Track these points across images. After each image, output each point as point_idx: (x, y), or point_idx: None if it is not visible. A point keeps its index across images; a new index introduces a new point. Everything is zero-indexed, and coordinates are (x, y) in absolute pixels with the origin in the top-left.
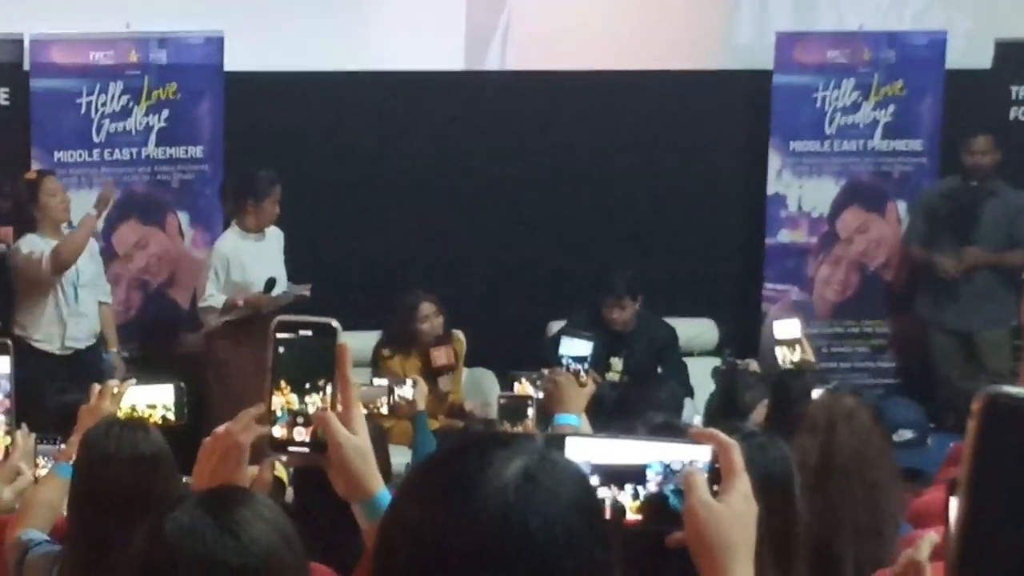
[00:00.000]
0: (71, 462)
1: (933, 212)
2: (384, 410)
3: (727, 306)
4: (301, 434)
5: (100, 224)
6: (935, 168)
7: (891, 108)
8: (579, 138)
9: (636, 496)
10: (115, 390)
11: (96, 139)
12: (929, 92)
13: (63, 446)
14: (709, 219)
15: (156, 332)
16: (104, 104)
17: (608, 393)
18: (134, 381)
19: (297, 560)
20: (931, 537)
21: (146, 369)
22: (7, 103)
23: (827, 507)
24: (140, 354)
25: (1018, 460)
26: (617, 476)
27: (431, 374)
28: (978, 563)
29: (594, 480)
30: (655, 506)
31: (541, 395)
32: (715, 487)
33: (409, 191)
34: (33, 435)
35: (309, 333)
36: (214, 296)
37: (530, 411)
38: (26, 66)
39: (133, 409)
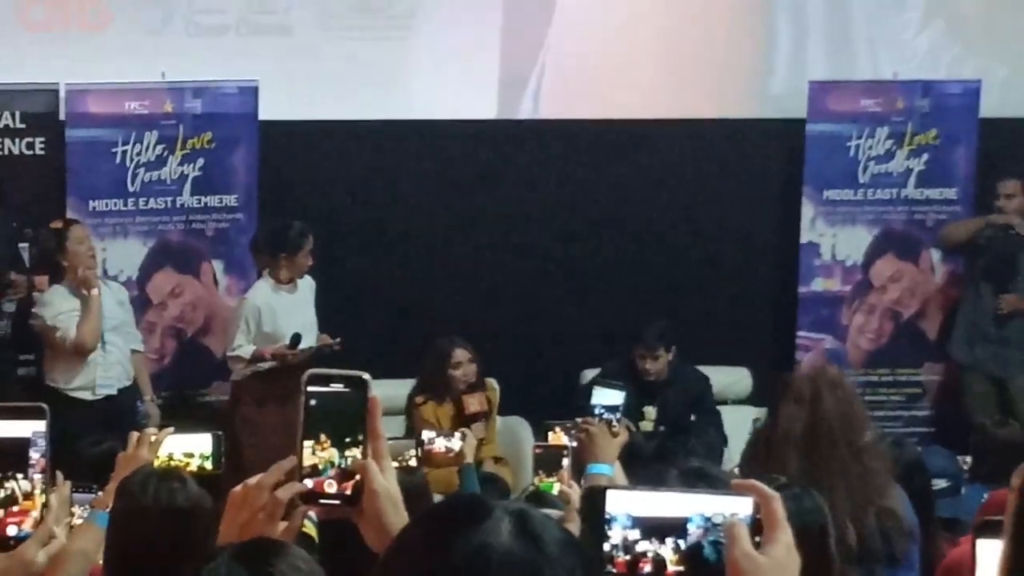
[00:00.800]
0: (107, 509)
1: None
2: (412, 462)
3: (761, 355)
4: (332, 486)
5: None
6: (969, 216)
7: (925, 157)
8: (613, 186)
9: (677, 549)
10: (153, 438)
11: (131, 188)
12: (963, 141)
13: (100, 494)
14: (743, 267)
15: (190, 380)
16: (139, 153)
17: (645, 443)
18: (172, 430)
19: None
20: None
21: (179, 417)
22: (43, 152)
23: (817, 472)
24: (173, 401)
25: None
26: (658, 529)
27: (464, 421)
28: None
29: (635, 533)
30: (697, 559)
31: (574, 444)
32: (757, 538)
33: (442, 239)
34: (68, 483)
35: (341, 386)
36: (243, 347)
37: (565, 461)
38: (62, 116)
39: (170, 457)
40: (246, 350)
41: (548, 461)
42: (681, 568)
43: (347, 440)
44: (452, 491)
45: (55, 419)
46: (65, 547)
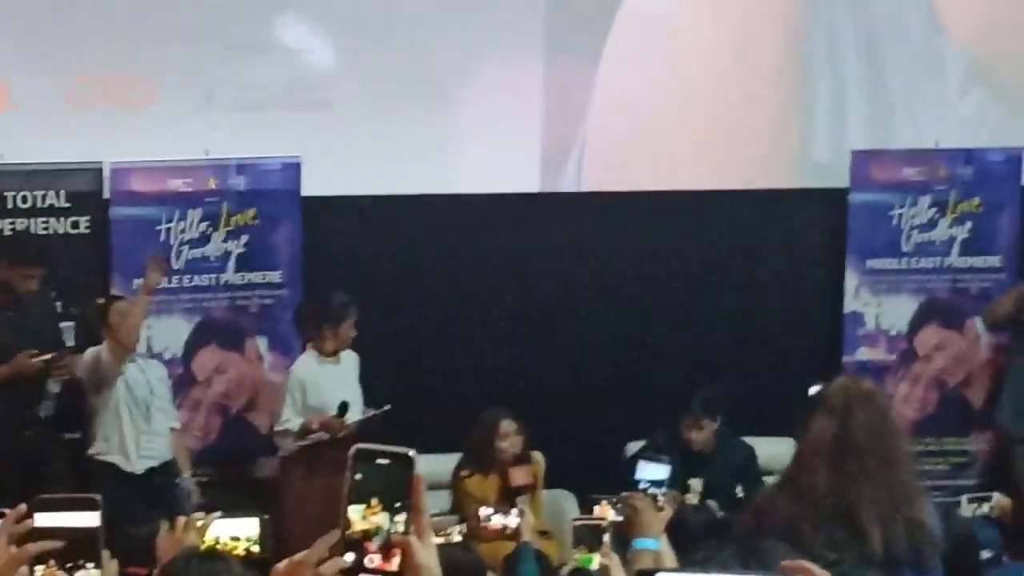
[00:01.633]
0: None
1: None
2: (456, 538)
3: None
4: (374, 561)
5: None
6: (1013, 284)
7: (968, 224)
8: (656, 257)
9: None
10: (200, 523)
11: (176, 265)
12: (1006, 208)
13: None
14: (787, 337)
15: (235, 457)
16: (183, 231)
17: (694, 516)
18: (219, 514)
19: None
20: None
21: (224, 494)
22: (87, 231)
23: (844, 482)
24: (218, 479)
25: None
26: None
27: (510, 493)
28: None
29: None
30: None
31: (620, 518)
32: None
33: (486, 313)
34: (115, 561)
35: (387, 462)
36: (290, 420)
37: (605, 536)
38: (106, 194)
39: (216, 541)
40: (294, 423)
41: (587, 535)
42: None
43: (396, 506)
44: (500, 565)
45: (100, 491)
46: None
